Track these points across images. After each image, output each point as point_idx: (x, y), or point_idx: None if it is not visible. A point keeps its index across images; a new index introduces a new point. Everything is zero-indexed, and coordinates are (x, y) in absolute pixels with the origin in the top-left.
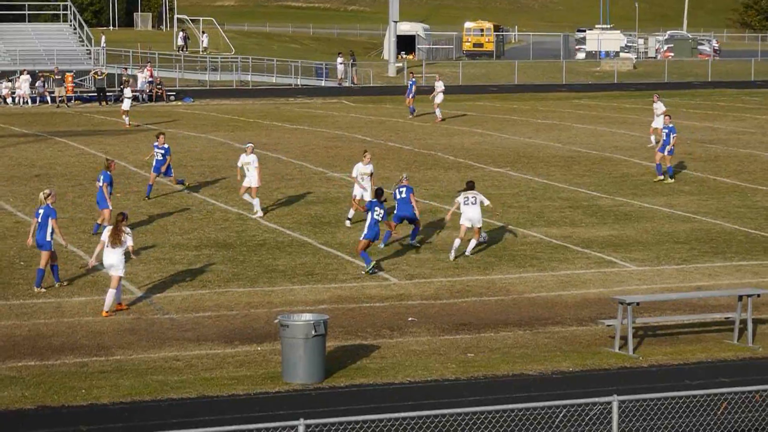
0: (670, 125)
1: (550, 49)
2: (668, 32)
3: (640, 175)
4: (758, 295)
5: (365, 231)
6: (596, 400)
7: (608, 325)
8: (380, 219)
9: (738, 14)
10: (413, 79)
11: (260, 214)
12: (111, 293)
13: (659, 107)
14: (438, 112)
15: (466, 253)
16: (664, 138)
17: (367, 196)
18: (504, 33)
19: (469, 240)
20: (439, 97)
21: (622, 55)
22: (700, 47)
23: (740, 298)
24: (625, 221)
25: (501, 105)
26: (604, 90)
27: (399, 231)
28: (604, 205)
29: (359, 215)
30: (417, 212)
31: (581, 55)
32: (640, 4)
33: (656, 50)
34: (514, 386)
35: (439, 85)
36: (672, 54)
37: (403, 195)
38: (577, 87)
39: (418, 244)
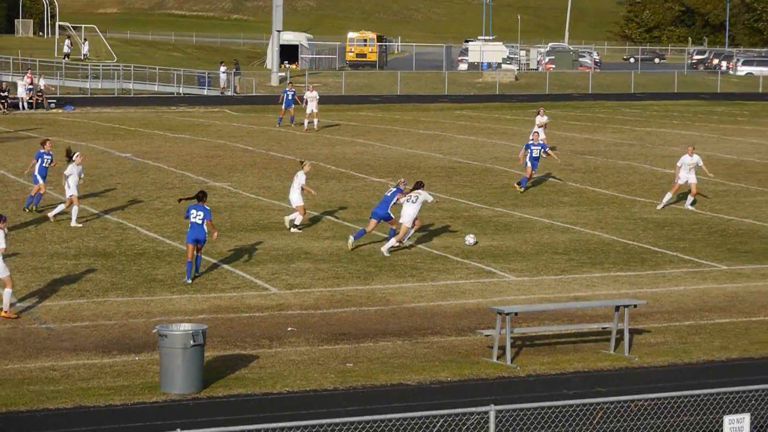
0: (542, 142)
1: (433, 60)
2: (550, 44)
3: (501, 187)
4: (635, 306)
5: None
6: (473, 409)
7: (486, 335)
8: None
9: (619, 27)
10: (293, 90)
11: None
12: (7, 293)
13: (541, 119)
14: (308, 122)
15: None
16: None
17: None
18: (387, 43)
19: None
20: (310, 106)
21: (504, 66)
22: (581, 59)
23: (617, 308)
24: (504, 232)
25: (383, 115)
26: (485, 101)
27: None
28: (485, 215)
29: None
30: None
31: (463, 67)
32: (522, 16)
33: (538, 62)
34: (393, 396)
35: (312, 95)
36: (553, 66)
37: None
38: (459, 98)
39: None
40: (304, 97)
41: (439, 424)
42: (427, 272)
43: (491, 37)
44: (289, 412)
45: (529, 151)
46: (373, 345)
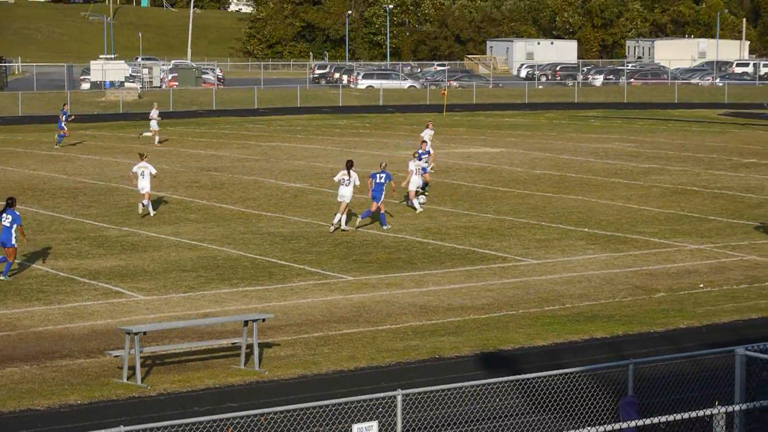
0: (424, 150)
1: (55, 79)
2: (173, 61)
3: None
4: (263, 320)
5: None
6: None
7: (116, 356)
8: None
9: (241, 43)
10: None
11: None
12: None
13: (427, 133)
14: None
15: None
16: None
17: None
18: (7, 64)
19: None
20: None
21: (127, 84)
22: (204, 76)
23: (246, 323)
24: (132, 251)
25: (5, 137)
26: (110, 120)
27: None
28: (111, 235)
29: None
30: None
31: (86, 86)
32: (144, 34)
33: (161, 79)
34: (24, 422)
35: None
36: (177, 83)
37: (381, 180)
38: (83, 118)
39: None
40: None
41: None
42: (54, 295)
43: (113, 56)
44: None
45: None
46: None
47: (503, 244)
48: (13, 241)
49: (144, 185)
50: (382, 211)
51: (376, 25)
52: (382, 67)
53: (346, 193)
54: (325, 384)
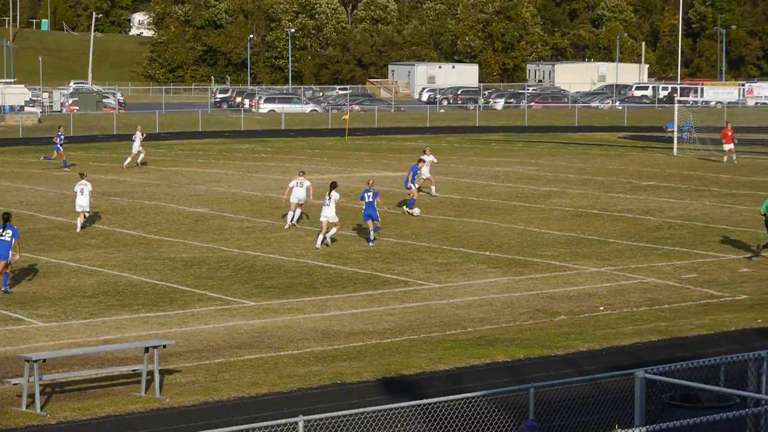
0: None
1: None
2: (73, 85)
3: (47, 230)
4: (164, 346)
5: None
6: None
7: (15, 384)
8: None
9: (142, 67)
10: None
11: None
12: None
13: (429, 158)
14: None
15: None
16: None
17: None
18: None
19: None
20: None
21: (27, 109)
22: (105, 100)
23: (147, 349)
24: (31, 277)
25: None
26: (9, 145)
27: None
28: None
29: None
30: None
31: None
32: (44, 58)
33: (62, 104)
34: None
35: None
36: (77, 107)
37: (370, 199)
38: None
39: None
40: None
41: None
42: None
43: (12, 80)
44: None
45: (412, 173)
46: None
47: (405, 268)
48: (9, 256)
49: (83, 203)
50: (371, 228)
51: (278, 49)
52: (284, 91)
53: (327, 213)
54: (226, 410)
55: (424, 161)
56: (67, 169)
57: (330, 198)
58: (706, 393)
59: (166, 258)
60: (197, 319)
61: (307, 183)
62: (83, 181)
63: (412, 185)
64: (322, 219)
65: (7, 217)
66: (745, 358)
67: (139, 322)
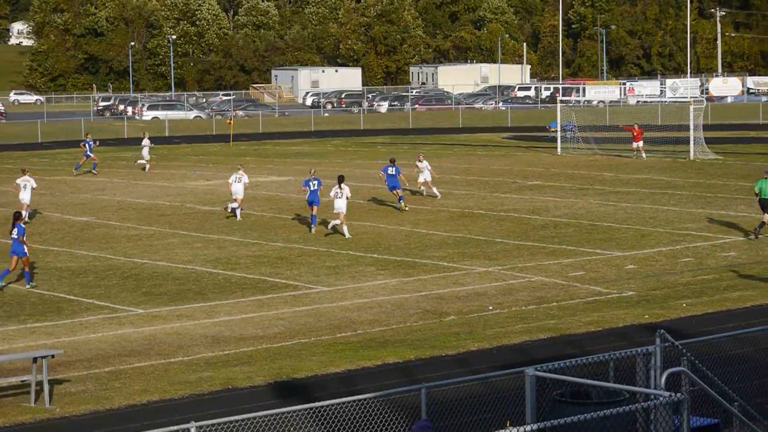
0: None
1: None
2: None
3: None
4: (53, 356)
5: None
6: None
7: None
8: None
9: (23, 76)
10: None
11: None
12: None
13: (423, 164)
14: None
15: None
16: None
17: None
18: None
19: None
20: None
21: None
22: None
23: (35, 360)
24: None
25: None
26: None
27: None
28: None
29: None
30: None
31: None
32: None
33: None
34: None
35: None
36: None
37: (315, 187)
38: None
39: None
40: None
41: None
42: None
43: None
44: None
45: (387, 174)
46: None
47: (294, 273)
48: (26, 250)
49: (24, 197)
50: (314, 213)
51: (160, 56)
52: (167, 98)
53: (340, 205)
54: (117, 419)
55: (418, 167)
56: (95, 171)
57: (342, 191)
58: (596, 389)
59: (52, 267)
60: (86, 328)
61: (245, 178)
62: (26, 177)
63: (396, 185)
64: (336, 211)
65: (18, 216)
66: (633, 353)
67: (26, 333)
